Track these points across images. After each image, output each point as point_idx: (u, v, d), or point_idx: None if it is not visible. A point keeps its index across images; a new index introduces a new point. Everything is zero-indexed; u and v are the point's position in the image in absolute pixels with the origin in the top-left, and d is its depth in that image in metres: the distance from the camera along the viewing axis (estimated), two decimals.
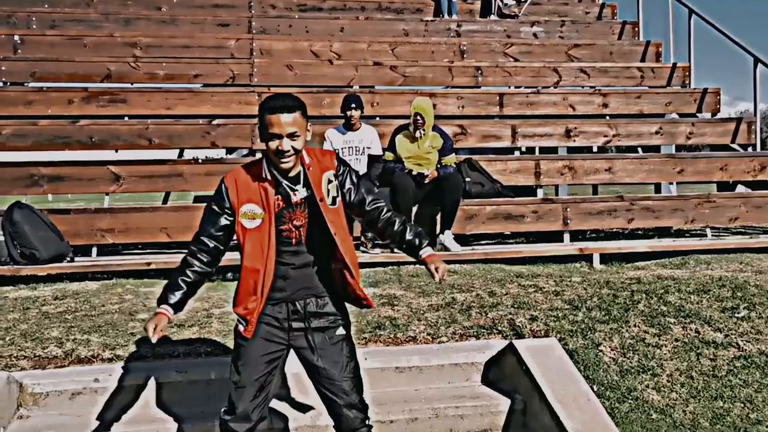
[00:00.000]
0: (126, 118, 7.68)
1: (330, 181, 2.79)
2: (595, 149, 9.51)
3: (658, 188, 8.68)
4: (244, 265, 2.72)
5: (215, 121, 7.48)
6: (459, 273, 5.69)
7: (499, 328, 4.38)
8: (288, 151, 2.63)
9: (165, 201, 9.17)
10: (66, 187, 6.75)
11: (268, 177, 2.71)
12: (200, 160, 6.98)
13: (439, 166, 6.51)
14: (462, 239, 6.56)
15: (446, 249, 6.22)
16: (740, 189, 8.47)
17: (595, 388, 3.77)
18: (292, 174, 2.73)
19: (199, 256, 2.76)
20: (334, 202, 2.78)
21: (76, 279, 5.57)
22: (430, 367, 4.02)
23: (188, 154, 8.24)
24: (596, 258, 6.23)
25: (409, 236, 2.83)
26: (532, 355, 3.87)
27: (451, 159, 6.61)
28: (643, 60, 9.99)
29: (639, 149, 8.46)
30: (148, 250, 6.76)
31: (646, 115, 8.85)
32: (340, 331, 2.83)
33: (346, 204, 2.83)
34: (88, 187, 6.75)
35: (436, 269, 2.77)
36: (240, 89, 8.20)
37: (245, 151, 8.57)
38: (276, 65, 8.75)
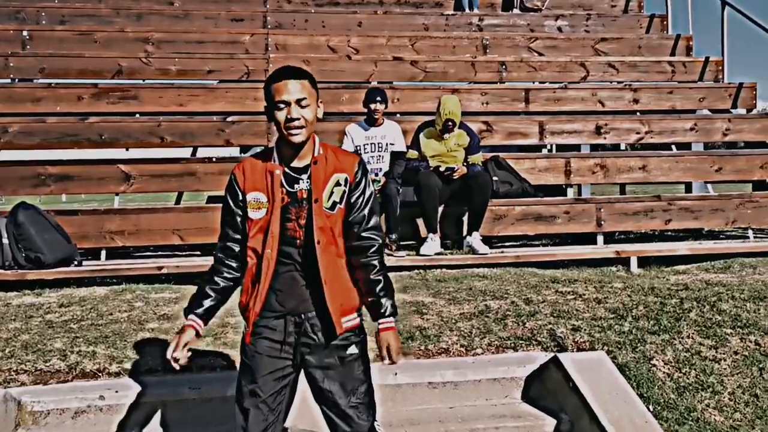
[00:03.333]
0: (137, 115, 7.39)
1: (338, 185, 2.47)
2: (623, 146, 9.17)
3: (689, 188, 8.28)
4: (247, 260, 2.47)
5: (229, 118, 7.16)
6: (489, 278, 5.34)
7: (539, 338, 4.02)
8: (297, 118, 2.35)
9: (178, 201, 8.88)
10: (74, 186, 6.45)
11: (276, 161, 2.46)
12: (214, 159, 6.65)
13: (465, 164, 6.17)
14: (486, 241, 6.20)
15: (474, 252, 5.86)
16: None
17: (651, 408, 3.40)
18: (299, 163, 2.45)
19: (227, 262, 2.49)
20: (332, 207, 2.46)
21: (83, 284, 5.27)
22: (466, 382, 3.68)
23: (201, 153, 7.95)
24: (634, 261, 5.85)
25: (380, 292, 2.47)
26: (580, 370, 3.52)
27: (478, 157, 6.27)
28: (673, 54, 9.58)
29: (673, 147, 8.06)
30: (159, 253, 6.46)
31: (678, 111, 8.44)
32: (352, 350, 2.49)
33: (344, 218, 2.50)
34: (98, 186, 6.45)
35: (388, 349, 2.43)
36: (255, 85, 7.87)
37: (260, 150, 8.25)
38: (292, 60, 8.40)
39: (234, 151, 8.61)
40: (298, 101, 2.35)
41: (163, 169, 6.44)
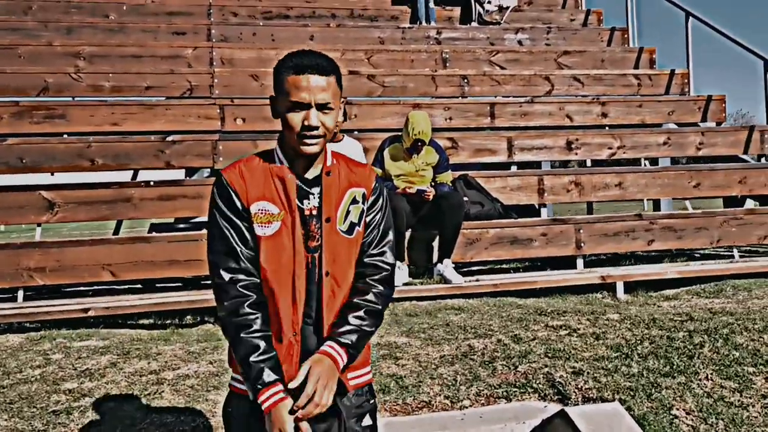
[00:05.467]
0: (65, 136, 6.60)
1: (355, 202, 1.91)
2: (588, 163, 8.76)
3: (657, 205, 7.88)
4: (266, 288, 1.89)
5: (170, 138, 6.45)
6: (466, 310, 4.74)
7: (535, 385, 3.43)
8: (316, 127, 1.79)
9: (116, 231, 8.08)
10: None
11: (285, 164, 1.88)
12: (152, 183, 5.91)
13: (433, 184, 5.60)
14: (458, 268, 5.61)
15: (446, 281, 5.26)
16: (749, 204, 7.72)
17: None
18: (309, 173, 1.88)
19: (247, 304, 1.82)
20: (350, 231, 1.89)
21: None
22: None
23: (142, 177, 7.19)
24: (620, 287, 5.34)
25: (352, 335, 1.86)
26: (594, 427, 2.92)
27: (447, 176, 5.71)
28: (636, 67, 9.27)
29: (646, 162, 7.66)
30: (90, 290, 5.68)
31: (648, 125, 8.08)
32: (367, 421, 1.93)
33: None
34: (17, 216, 5.62)
35: (312, 379, 1.78)
36: (199, 101, 7.20)
37: (207, 172, 7.55)
38: (239, 75, 7.77)
39: (177, 174, 7.87)
40: (321, 106, 1.80)
41: (92, 195, 5.67)
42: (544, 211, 6.67)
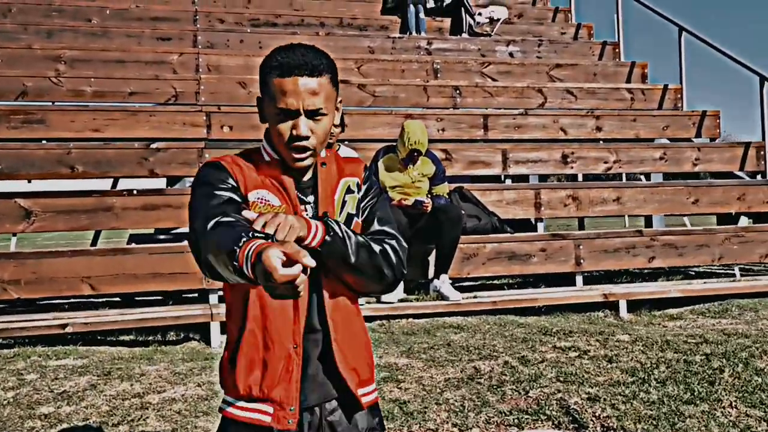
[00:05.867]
0: (44, 142, 6.31)
1: (350, 191, 1.69)
2: (580, 177, 8.65)
3: (648, 221, 7.73)
4: (249, 306, 1.60)
5: (154, 145, 6.18)
6: (466, 329, 4.53)
7: (548, 412, 3.21)
8: (306, 137, 1.55)
9: (94, 242, 7.76)
10: None
11: (277, 157, 1.64)
12: (135, 192, 5.64)
13: (429, 196, 5.39)
14: (454, 283, 5.39)
15: (444, 298, 5.05)
16: (743, 222, 7.61)
17: None
18: (304, 178, 1.65)
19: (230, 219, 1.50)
20: (348, 222, 1.65)
21: None
22: None
23: (123, 185, 6.90)
24: (623, 305, 5.16)
25: (341, 228, 1.56)
26: None
27: (444, 188, 5.51)
28: (628, 81, 9.18)
29: (642, 177, 7.53)
30: (68, 302, 5.38)
31: (642, 140, 7.96)
32: None
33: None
34: None
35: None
36: (184, 108, 6.94)
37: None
38: (226, 82, 7.54)
39: (161, 183, 7.59)
40: (311, 113, 1.55)
41: (71, 204, 5.38)
42: (540, 226, 6.49)
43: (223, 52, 8.14)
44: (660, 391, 3.32)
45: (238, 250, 1.33)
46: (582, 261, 5.76)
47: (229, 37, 8.58)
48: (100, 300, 5.55)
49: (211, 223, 1.47)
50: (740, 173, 7.69)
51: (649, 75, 9.46)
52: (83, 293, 4.95)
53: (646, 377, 3.46)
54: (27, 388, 3.44)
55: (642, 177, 7.60)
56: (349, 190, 1.69)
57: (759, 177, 7.60)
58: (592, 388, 3.36)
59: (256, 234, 1.35)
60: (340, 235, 1.54)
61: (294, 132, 1.55)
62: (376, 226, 1.70)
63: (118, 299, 5.58)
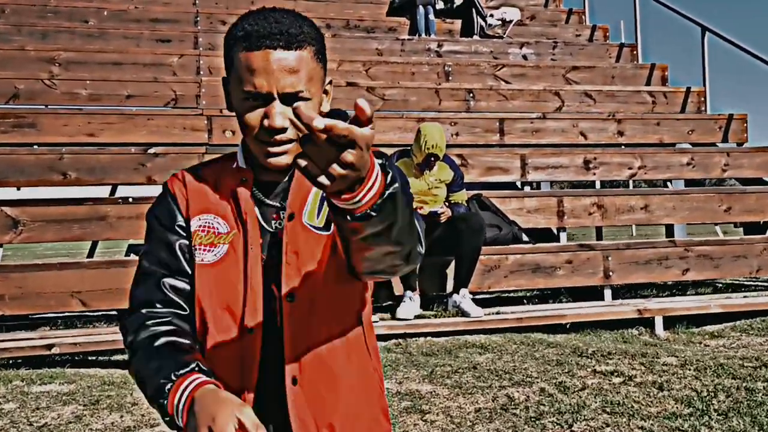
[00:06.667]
0: (35, 147, 5.94)
1: None
2: (598, 184, 8.28)
3: (670, 230, 7.32)
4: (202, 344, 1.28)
5: (151, 150, 5.81)
6: (491, 349, 4.13)
7: None
8: (282, 129, 1.16)
9: (91, 254, 7.38)
10: None
11: (245, 168, 1.28)
12: (131, 200, 5.26)
13: (447, 204, 5.01)
14: (474, 298, 5.00)
15: (465, 314, 4.64)
16: None
17: None
18: (279, 178, 1.29)
19: (163, 326, 1.28)
20: (327, 226, 1.24)
21: None
22: None
23: (121, 192, 6.53)
24: (659, 322, 4.76)
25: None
26: None
27: (462, 195, 5.13)
28: (648, 84, 8.80)
29: (669, 183, 7.14)
30: (56, 322, 4.99)
31: (666, 144, 7.57)
32: None
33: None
34: None
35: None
36: (184, 112, 6.57)
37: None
38: None
39: (158, 191, 7.23)
40: (288, 97, 1.17)
41: (62, 213, 5.00)
42: (563, 236, 6.09)
43: None
44: (723, 424, 2.91)
45: (165, 402, 1.14)
46: (611, 273, 5.36)
47: None
48: (94, 315, 5.16)
49: (135, 327, 1.31)
50: None
51: (669, 77, 9.11)
52: (73, 309, 4.56)
53: (704, 408, 3.05)
54: (4, 420, 3.04)
55: (669, 183, 7.18)
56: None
57: None
58: (644, 420, 2.95)
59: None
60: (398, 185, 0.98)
61: (266, 122, 1.17)
62: None
63: (113, 313, 5.19)
